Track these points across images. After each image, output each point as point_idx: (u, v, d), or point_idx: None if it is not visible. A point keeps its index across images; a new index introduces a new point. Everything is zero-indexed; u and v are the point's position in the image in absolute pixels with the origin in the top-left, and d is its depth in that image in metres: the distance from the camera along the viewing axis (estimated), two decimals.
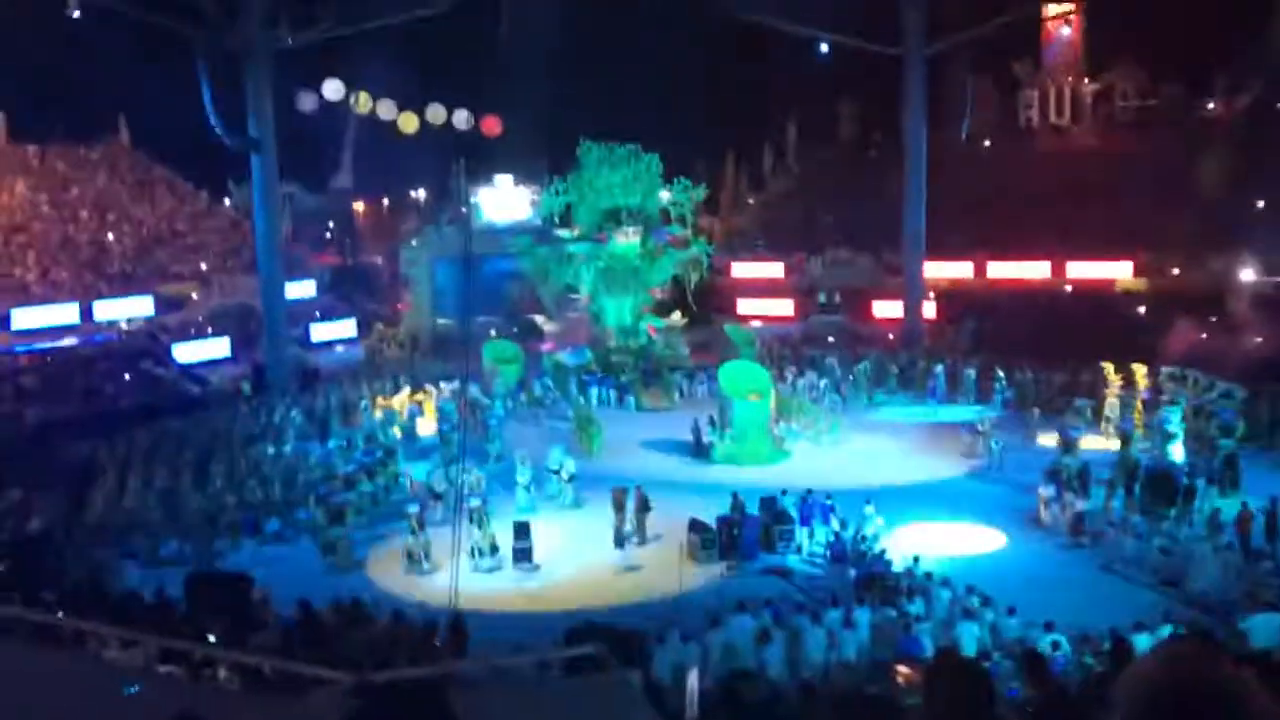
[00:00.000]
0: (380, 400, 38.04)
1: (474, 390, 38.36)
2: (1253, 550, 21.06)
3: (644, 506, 24.95)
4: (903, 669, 15.37)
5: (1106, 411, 33.65)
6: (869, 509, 23.85)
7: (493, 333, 48.14)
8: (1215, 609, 19.81)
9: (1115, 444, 30.54)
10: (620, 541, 24.40)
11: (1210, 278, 47.29)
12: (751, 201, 70.01)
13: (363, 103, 57.35)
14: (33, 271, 47.31)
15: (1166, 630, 15.93)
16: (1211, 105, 58.27)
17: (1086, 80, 61.20)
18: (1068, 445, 29.35)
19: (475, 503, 24.95)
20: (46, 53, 45.30)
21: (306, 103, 55.70)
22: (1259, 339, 38.70)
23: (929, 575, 20.32)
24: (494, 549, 23.75)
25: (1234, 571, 20.56)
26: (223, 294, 50.81)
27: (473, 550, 23.61)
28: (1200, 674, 2.18)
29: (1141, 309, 46.88)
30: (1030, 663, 8.97)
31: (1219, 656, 2.26)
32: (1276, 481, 26.35)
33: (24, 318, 43.90)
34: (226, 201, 62.34)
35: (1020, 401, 36.96)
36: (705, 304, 49.38)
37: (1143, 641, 14.22)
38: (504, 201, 57.95)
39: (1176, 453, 28.67)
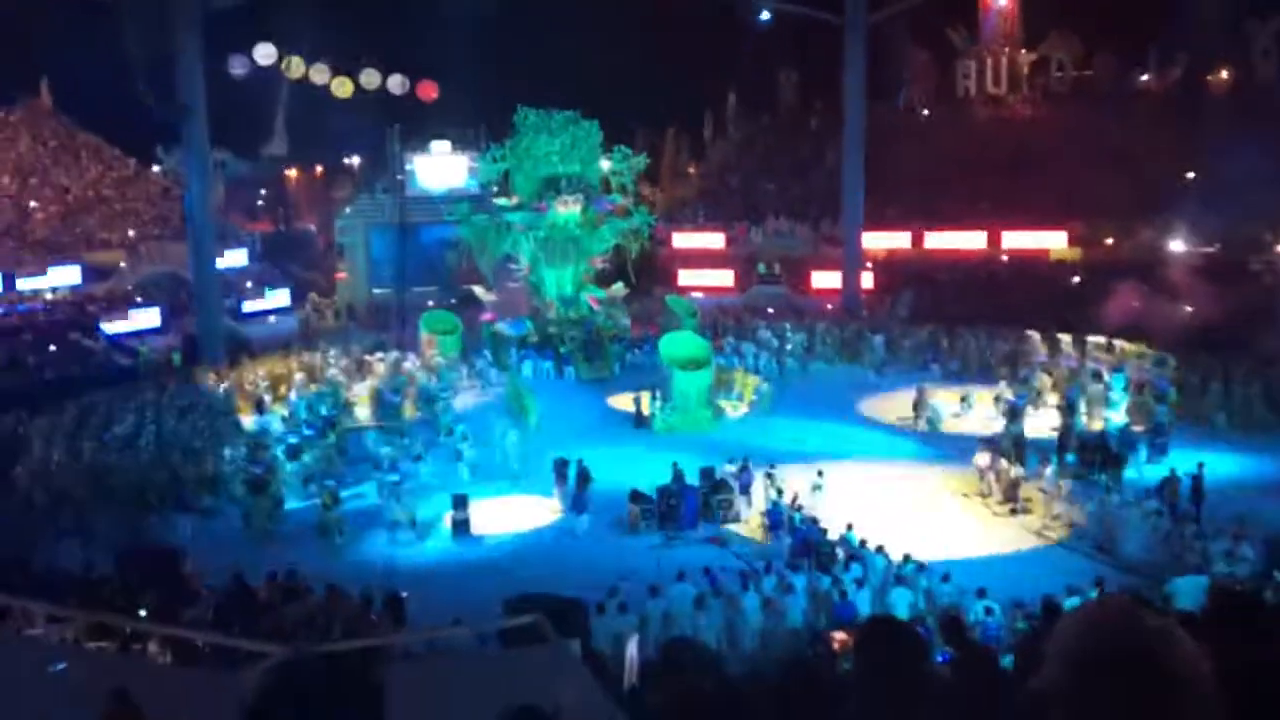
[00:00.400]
0: (313, 372, 37.60)
1: (411, 363, 38.02)
2: (1180, 515, 21.49)
3: (585, 478, 24.90)
4: (839, 634, 15.50)
5: (1038, 381, 34.16)
6: (819, 478, 24.08)
7: (430, 303, 47.67)
8: (1144, 573, 20.24)
9: (1050, 413, 31.05)
10: (579, 509, 24.42)
11: (1142, 248, 48.20)
12: (692, 171, 69.91)
13: (295, 67, 56.20)
14: None
15: (1095, 595, 16.23)
16: (1145, 77, 59.11)
17: (1023, 51, 61.77)
18: (1013, 413, 29.77)
19: (393, 478, 24.85)
20: None
21: (237, 67, 54.48)
22: (1189, 308, 39.48)
23: (863, 542, 20.50)
24: (413, 522, 23.53)
25: (1161, 536, 20.98)
26: (152, 263, 49.71)
27: (391, 524, 23.56)
28: (1125, 626, 2.22)
29: (1076, 278, 47.61)
30: (948, 625, 9.08)
31: (1142, 609, 2.29)
32: (1204, 448, 26.98)
33: None
34: (156, 168, 60.96)
35: (962, 369, 37.38)
36: (646, 275, 49.32)
37: (1074, 605, 14.46)
38: (441, 168, 57.28)
39: (1115, 419, 29.26)
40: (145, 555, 19.46)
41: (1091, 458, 25.66)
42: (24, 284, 45.51)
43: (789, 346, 40.75)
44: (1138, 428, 28.67)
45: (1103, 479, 24.25)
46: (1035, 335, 35.90)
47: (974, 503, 25.17)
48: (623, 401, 33.67)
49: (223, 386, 35.29)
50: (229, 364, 38.00)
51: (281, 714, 2.12)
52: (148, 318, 46.11)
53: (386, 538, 23.30)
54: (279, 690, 2.16)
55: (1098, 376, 33.05)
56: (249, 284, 52.38)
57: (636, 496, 24.29)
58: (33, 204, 50.58)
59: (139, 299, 47.60)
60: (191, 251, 43.16)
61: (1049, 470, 24.76)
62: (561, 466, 25.36)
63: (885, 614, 16.66)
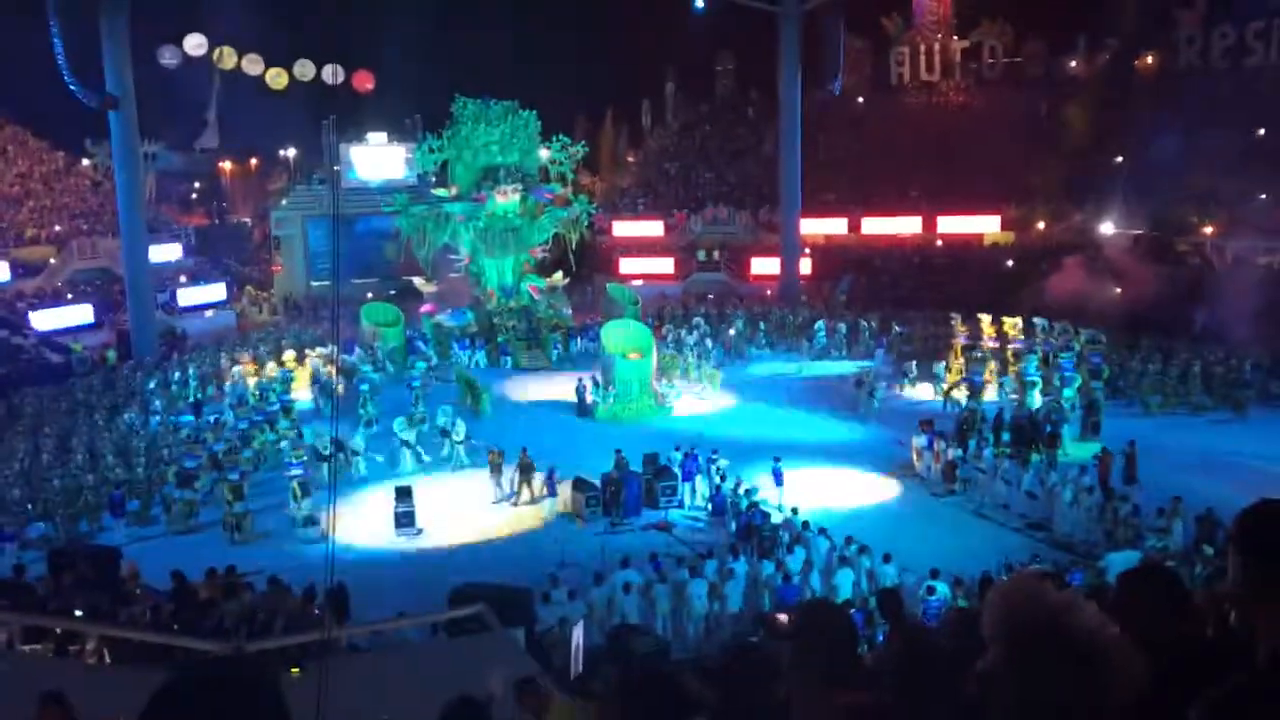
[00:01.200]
0: (250, 367, 37.19)
1: (354, 357, 37.65)
2: (1112, 492, 21.96)
3: (527, 468, 24.90)
4: (782, 617, 15.66)
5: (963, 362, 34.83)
6: (723, 462, 24.46)
7: (369, 295, 47.22)
8: (1079, 549, 20.70)
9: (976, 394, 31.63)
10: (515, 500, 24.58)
11: (1073, 230, 49.07)
12: (631, 159, 69.91)
13: (227, 58, 55.28)
14: None
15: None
16: (1074, 63, 60.06)
17: (955, 38, 62.46)
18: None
19: (296, 472, 24.58)
20: None
21: (168, 57, 53.49)
22: (1119, 290, 40.28)
23: (806, 525, 20.72)
24: (312, 520, 23.35)
25: (1095, 513, 21.45)
26: (83, 258, 48.72)
27: (292, 520, 23.52)
28: (1030, 600, 2.37)
29: (1009, 262, 48.34)
30: (886, 602, 9.30)
31: (1045, 580, 2.46)
32: (1134, 425, 27.60)
33: None
34: (85, 161, 59.69)
35: (901, 352, 37.79)
36: (587, 263, 49.33)
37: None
38: (377, 159, 56.76)
39: (1036, 399, 29.86)
40: (80, 555, 19.13)
41: (1023, 437, 26.13)
42: None
43: (731, 332, 41.03)
44: (1057, 405, 29.19)
45: (1036, 458, 24.69)
46: (984, 318, 36.38)
47: (913, 483, 25.52)
48: (564, 390, 33.63)
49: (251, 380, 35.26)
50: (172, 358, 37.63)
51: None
52: (80, 314, 45.20)
53: (289, 534, 23.32)
54: (165, 707, 2.13)
55: (1046, 358, 33.62)
56: (183, 277, 51.48)
57: (580, 484, 24.34)
58: None
59: (70, 295, 46.65)
60: (123, 246, 42.40)
61: (986, 450, 25.17)
62: (497, 456, 25.39)
63: (817, 597, 16.91)
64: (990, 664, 2.41)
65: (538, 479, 24.75)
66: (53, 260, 48.45)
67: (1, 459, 26.98)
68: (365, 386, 32.24)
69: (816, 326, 41.00)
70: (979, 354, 34.86)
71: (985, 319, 36.48)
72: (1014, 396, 30.77)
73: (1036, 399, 30.13)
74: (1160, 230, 45.72)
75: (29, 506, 24.20)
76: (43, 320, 43.36)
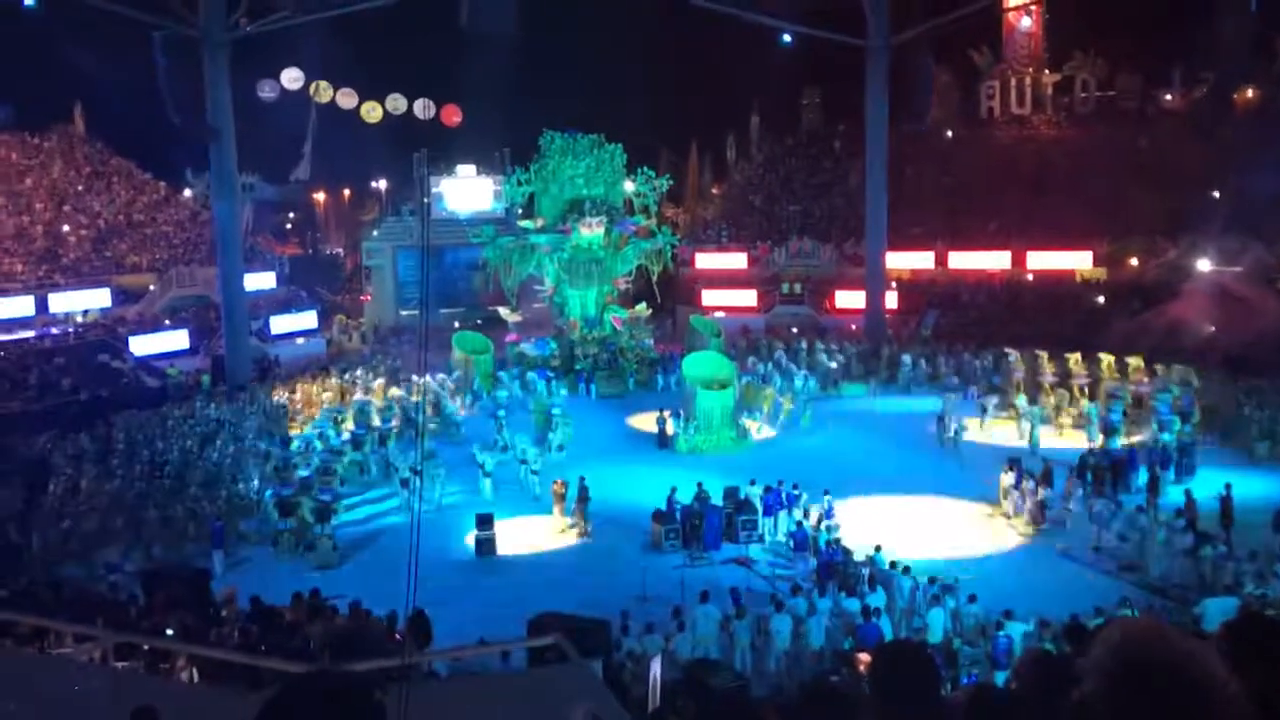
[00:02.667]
0: (342, 391, 38.06)
1: (437, 383, 38.17)
2: (1202, 535, 21.26)
3: (583, 497, 24.94)
4: (864, 656, 15.44)
5: (1058, 401, 34.10)
6: (827, 498, 24.16)
7: (456, 324, 47.96)
8: (1172, 594, 20.08)
9: (1074, 434, 30.98)
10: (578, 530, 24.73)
11: (1168, 268, 47.87)
12: (715, 192, 70.07)
13: (323, 92, 56.77)
14: None
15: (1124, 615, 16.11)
16: (1169, 96, 58.86)
17: (1047, 71, 61.65)
18: (1108, 431, 29.59)
19: (325, 498, 25.21)
20: None
21: (266, 91, 55.09)
22: (1212, 328, 39.17)
23: (893, 564, 20.42)
24: (309, 547, 24.03)
25: (1188, 557, 20.82)
26: (181, 285, 50.16)
27: (304, 545, 24.17)
28: (1158, 642, 2.30)
29: (1100, 298, 47.35)
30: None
31: (1168, 631, 2.37)
32: (1230, 469, 26.77)
33: None
34: (186, 192, 61.63)
35: (989, 388, 37.02)
36: (669, 295, 49.46)
37: (1100, 624, 14.41)
38: (466, 192, 57.71)
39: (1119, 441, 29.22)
40: (172, 577, 19.60)
41: (1117, 478, 25.51)
42: (56, 307, 46.03)
43: (822, 368, 40.68)
44: (1156, 447, 28.45)
45: (1128, 499, 24.06)
46: (1076, 355, 35.67)
47: (999, 522, 25.03)
48: (645, 421, 33.66)
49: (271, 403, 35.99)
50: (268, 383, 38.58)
51: None
52: (176, 340, 46.51)
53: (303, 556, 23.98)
54: (281, 711, 2.23)
55: (1138, 399, 32.83)
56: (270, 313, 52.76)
57: (660, 516, 24.30)
58: (65, 229, 51.19)
59: (168, 321, 48.04)
60: (220, 274, 43.60)
61: (1076, 490, 24.59)
62: (561, 487, 25.57)
63: (900, 639, 16.62)
64: (1090, 696, 2.35)
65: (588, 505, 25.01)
66: (152, 287, 49.97)
67: (99, 483, 27.51)
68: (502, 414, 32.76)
69: (903, 360, 40.60)
70: (1118, 392, 34.03)
71: (1074, 357, 35.74)
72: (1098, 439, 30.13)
73: (1120, 440, 29.42)
74: (1259, 267, 44.32)
75: (133, 541, 24.48)
76: (141, 345, 44.68)
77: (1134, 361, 35.43)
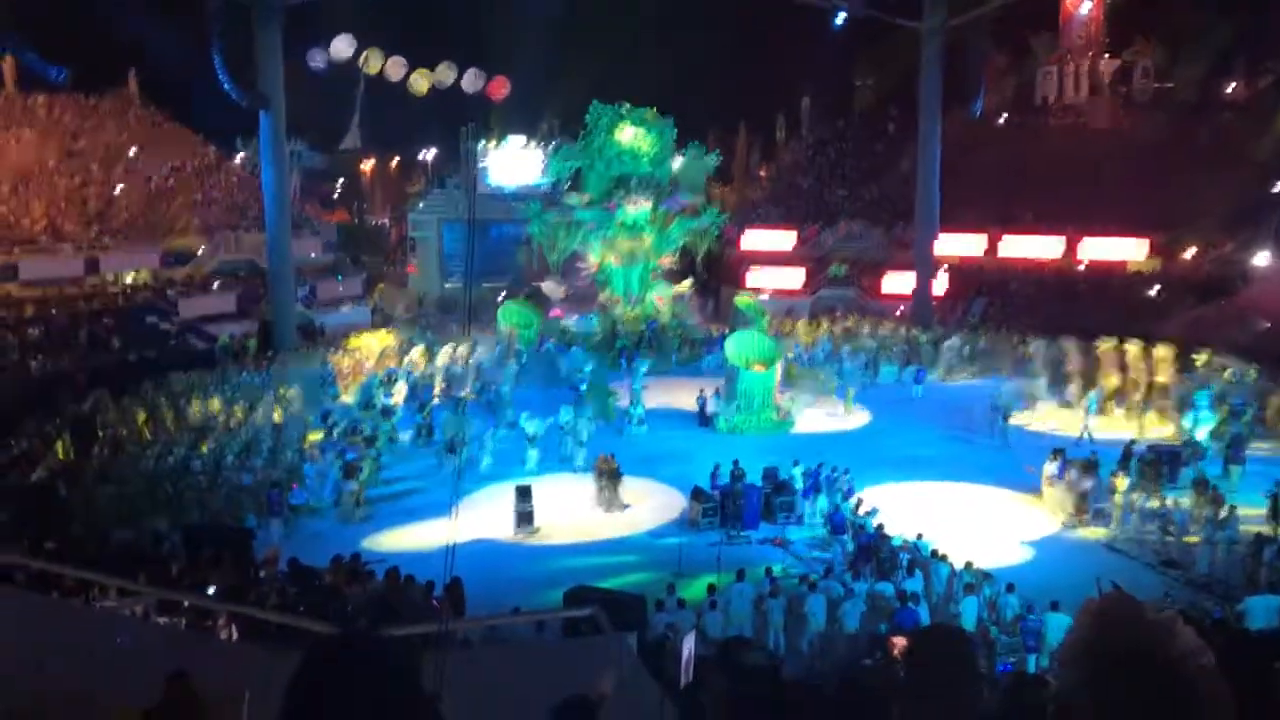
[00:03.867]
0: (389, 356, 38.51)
1: (478, 353, 38.36)
2: (1260, 537, 20.89)
3: (614, 475, 24.93)
4: (899, 640, 15.34)
5: (1110, 391, 33.62)
6: (847, 477, 24.23)
7: (500, 298, 48.23)
8: (1216, 590, 19.78)
9: (1121, 425, 30.59)
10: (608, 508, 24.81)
11: (1225, 261, 47.00)
12: (763, 172, 69.64)
13: (372, 61, 56.92)
14: (40, 223, 47.14)
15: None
16: (1231, 87, 57.68)
17: (1105, 57, 60.59)
18: (1234, 414, 29.30)
19: (350, 457, 25.78)
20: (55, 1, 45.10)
21: (316, 60, 55.31)
22: (1268, 323, 38.48)
23: (934, 552, 20.25)
24: (360, 502, 24.63)
25: (1235, 554, 20.50)
26: (229, 250, 50.61)
27: (337, 499, 24.71)
28: (1125, 621, 2.27)
29: (1153, 290, 46.63)
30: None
31: (1142, 605, 2.33)
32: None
33: (30, 269, 43.74)
34: (236, 158, 62.12)
35: (1053, 375, 36.49)
36: (713, 274, 49.26)
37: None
38: (512, 165, 57.69)
39: (1200, 434, 28.68)
40: (214, 535, 19.82)
41: (1162, 471, 25.13)
42: (106, 268, 46.59)
43: (868, 352, 40.44)
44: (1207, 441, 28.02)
45: (1174, 493, 23.70)
46: (1136, 346, 35.19)
47: (1041, 513, 24.75)
48: (686, 399, 33.58)
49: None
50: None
51: (323, 689, 2.17)
52: (223, 303, 46.99)
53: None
54: (318, 667, 2.21)
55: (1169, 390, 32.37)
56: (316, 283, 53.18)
57: (698, 494, 24.27)
58: (117, 190, 51.75)
59: (215, 285, 48.54)
60: (268, 240, 43.96)
61: (1123, 482, 24.22)
62: (604, 463, 25.44)
63: (939, 624, 16.50)
64: (1064, 683, 2.30)
65: (623, 482, 24.95)
66: (201, 251, 50.45)
67: (139, 450, 27.65)
68: (505, 388, 32.93)
69: (947, 345, 40.25)
70: (1191, 380, 33.56)
71: (1133, 347, 35.23)
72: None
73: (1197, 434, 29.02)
74: None
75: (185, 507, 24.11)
76: (189, 307, 45.18)
77: (1201, 357, 34.80)
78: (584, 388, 32.06)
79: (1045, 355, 37.68)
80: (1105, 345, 36.11)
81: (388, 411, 31.61)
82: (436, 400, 33.22)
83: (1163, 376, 34.22)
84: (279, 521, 23.06)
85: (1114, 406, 33.03)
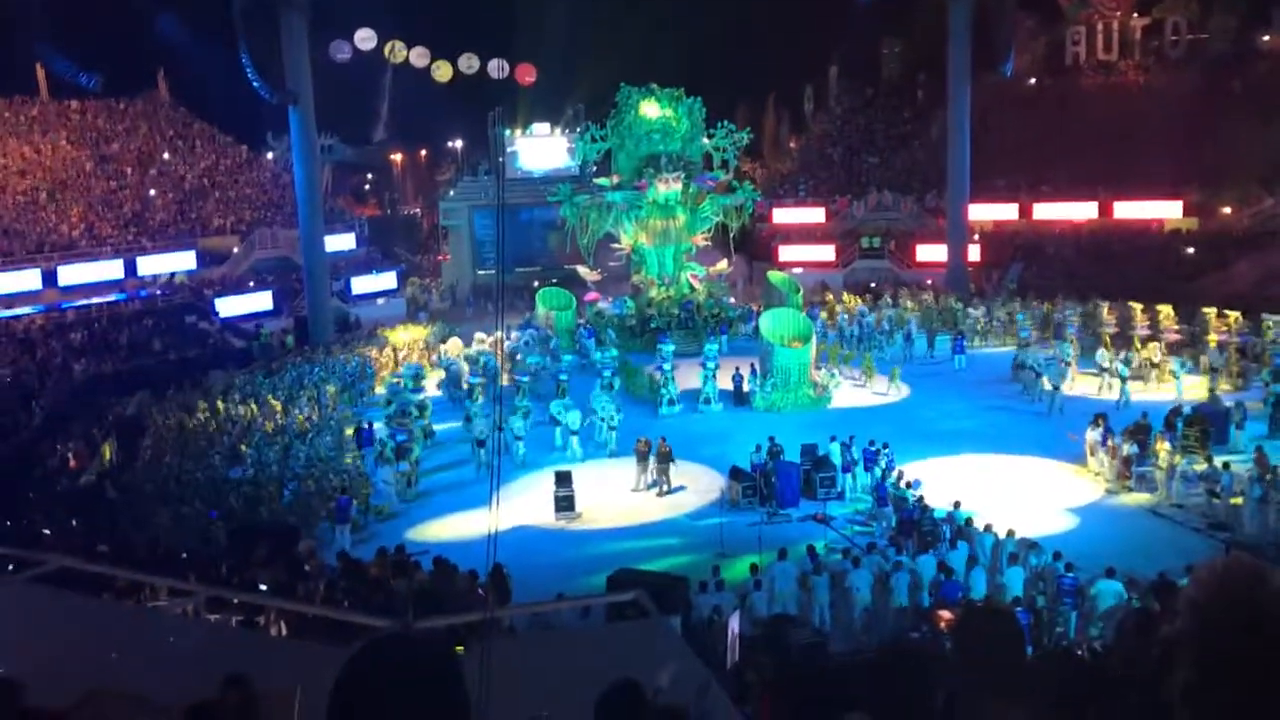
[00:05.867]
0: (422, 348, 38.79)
1: (521, 342, 38.48)
2: None
3: (666, 457, 24.94)
4: (944, 613, 15.32)
5: (1148, 355, 33.15)
6: (886, 451, 24.17)
7: (535, 284, 48.44)
8: (1267, 553, 19.55)
9: (1162, 388, 30.30)
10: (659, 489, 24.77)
11: (1264, 217, 46.24)
12: (793, 145, 69.19)
13: (397, 52, 57.07)
14: (78, 228, 47.77)
15: None
16: (1266, 38, 56.56)
17: (1135, 14, 59.60)
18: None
19: (401, 438, 26.72)
20: (84, 6, 45.52)
21: (339, 52, 55.51)
22: None
23: (969, 521, 20.17)
24: (410, 483, 25.45)
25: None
26: (264, 247, 51.05)
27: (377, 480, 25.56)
28: (1253, 583, 2.22)
29: (1190, 249, 46.00)
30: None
31: (1267, 571, 2.28)
32: None
33: (70, 274, 44.36)
34: (268, 155, 62.57)
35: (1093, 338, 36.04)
36: (745, 250, 49.03)
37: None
38: (541, 150, 57.72)
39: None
40: (262, 532, 20.08)
41: (1206, 433, 24.86)
42: (144, 270, 47.15)
43: (896, 321, 40.22)
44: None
45: (1219, 455, 23.45)
46: (1167, 308, 34.66)
47: (1085, 480, 24.55)
48: (721, 379, 33.52)
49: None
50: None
51: (366, 690, 2.23)
52: (260, 301, 47.45)
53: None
54: (362, 669, 2.28)
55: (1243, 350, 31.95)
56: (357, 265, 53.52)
57: (737, 473, 24.27)
58: (151, 192, 52.30)
59: (252, 283, 49.01)
60: (301, 236, 44.29)
61: (1165, 445, 23.96)
62: (644, 445, 25.42)
63: (983, 599, 16.47)
64: (1180, 634, 2.28)
65: (674, 466, 24.95)
66: (236, 249, 50.93)
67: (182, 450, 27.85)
68: (525, 378, 32.95)
69: (981, 313, 39.96)
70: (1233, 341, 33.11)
71: (1166, 309, 34.74)
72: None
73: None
74: None
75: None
76: (227, 306, 45.67)
77: (1233, 314, 34.25)
78: (607, 374, 32.01)
79: (1084, 320, 37.30)
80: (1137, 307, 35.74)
81: (421, 407, 31.61)
82: (470, 387, 33.31)
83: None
84: (346, 529, 22.38)
85: (1151, 369, 32.55)
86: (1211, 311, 34.30)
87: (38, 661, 7.02)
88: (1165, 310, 34.61)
